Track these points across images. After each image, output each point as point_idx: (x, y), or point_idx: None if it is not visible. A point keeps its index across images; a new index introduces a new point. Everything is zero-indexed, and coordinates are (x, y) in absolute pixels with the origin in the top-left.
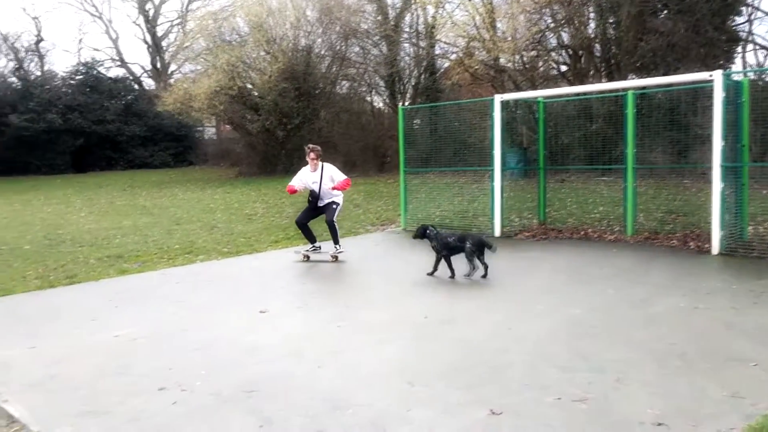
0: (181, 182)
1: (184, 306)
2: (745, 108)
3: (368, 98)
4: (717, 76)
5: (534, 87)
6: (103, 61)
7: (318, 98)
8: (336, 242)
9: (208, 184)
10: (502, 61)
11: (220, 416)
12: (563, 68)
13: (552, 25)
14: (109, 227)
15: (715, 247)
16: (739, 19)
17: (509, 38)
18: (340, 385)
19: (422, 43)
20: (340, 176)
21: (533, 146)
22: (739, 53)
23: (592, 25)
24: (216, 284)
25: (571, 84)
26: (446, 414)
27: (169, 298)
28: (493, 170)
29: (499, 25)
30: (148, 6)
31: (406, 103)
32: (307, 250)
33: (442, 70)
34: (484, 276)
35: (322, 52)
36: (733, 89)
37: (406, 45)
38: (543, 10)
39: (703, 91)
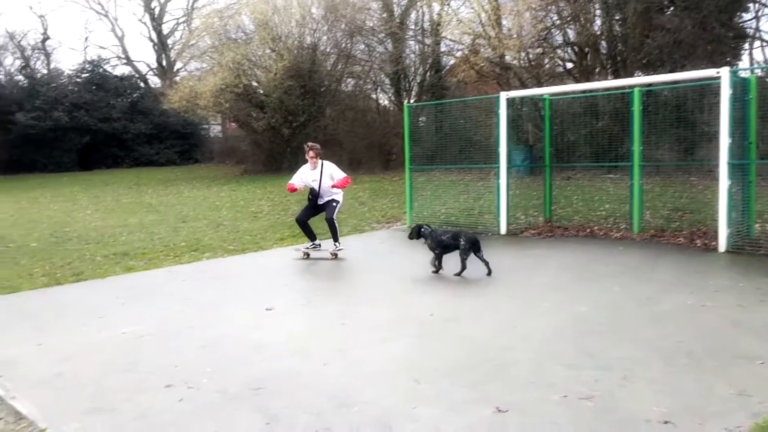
0: (187, 180)
1: (190, 303)
2: (753, 105)
3: (373, 96)
4: (724, 73)
5: (540, 84)
6: (109, 59)
7: (323, 96)
8: (336, 240)
9: (214, 182)
10: (507, 58)
11: (226, 413)
12: (569, 65)
13: (558, 22)
14: (115, 225)
15: (722, 244)
16: (746, 16)
17: (515, 35)
18: (346, 383)
19: (428, 41)
20: (339, 174)
21: (539, 143)
22: (746, 50)
23: (598, 22)
24: (222, 281)
25: (577, 81)
26: (452, 411)
27: (175, 296)
28: (498, 168)
29: (504, 22)
30: (154, 4)
31: (412, 101)
32: (307, 248)
33: (447, 68)
34: (488, 273)
35: (328, 50)
36: (740, 86)
37: (412, 42)
38: (549, 7)
39: (710, 88)
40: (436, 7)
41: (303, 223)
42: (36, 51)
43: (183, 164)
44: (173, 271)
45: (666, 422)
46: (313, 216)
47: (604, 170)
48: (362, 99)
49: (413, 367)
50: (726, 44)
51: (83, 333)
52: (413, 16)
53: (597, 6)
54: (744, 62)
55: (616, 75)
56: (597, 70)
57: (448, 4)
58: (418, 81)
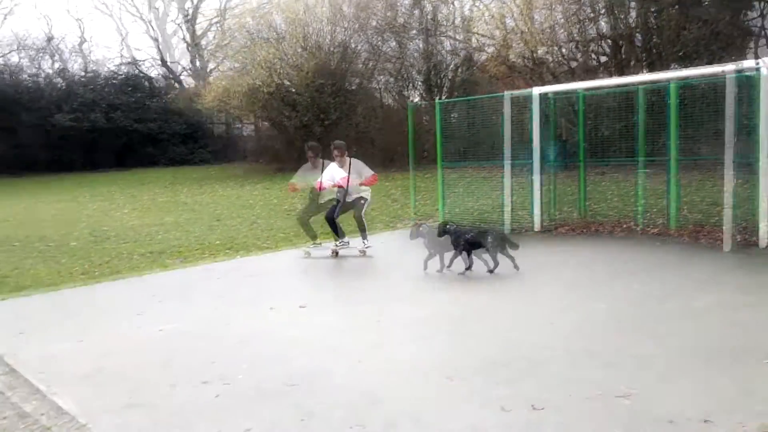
0: (221, 179)
1: (225, 300)
2: None
3: (405, 92)
4: (764, 64)
5: (573, 79)
6: (144, 60)
7: (355, 94)
8: (364, 237)
9: (247, 181)
10: (540, 53)
11: (262, 409)
12: (603, 59)
13: (591, 15)
14: (151, 224)
15: (763, 240)
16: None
17: (547, 29)
18: (380, 380)
19: (459, 37)
20: (367, 171)
21: (573, 139)
22: None
23: (633, 14)
24: (256, 279)
25: (612, 75)
26: (486, 409)
27: (211, 293)
28: (532, 164)
29: (536, 16)
30: (188, 5)
31: (443, 97)
32: (336, 245)
33: (479, 64)
34: (491, 271)
35: (359, 48)
36: None
37: (443, 39)
38: (582, 1)
39: (749, 81)
40: (467, 2)
41: (331, 220)
42: (74, 54)
43: (217, 163)
44: (209, 269)
45: (706, 421)
46: (342, 213)
47: (640, 165)
48: (394, 96)
49: (446, 364)
50: (765, 36)
51: (122, 330)
52: (444, 12)
53: None
54: None
55: (652, 68)
56: (632, 63)
57: (480, 0)
58: (450, 77)
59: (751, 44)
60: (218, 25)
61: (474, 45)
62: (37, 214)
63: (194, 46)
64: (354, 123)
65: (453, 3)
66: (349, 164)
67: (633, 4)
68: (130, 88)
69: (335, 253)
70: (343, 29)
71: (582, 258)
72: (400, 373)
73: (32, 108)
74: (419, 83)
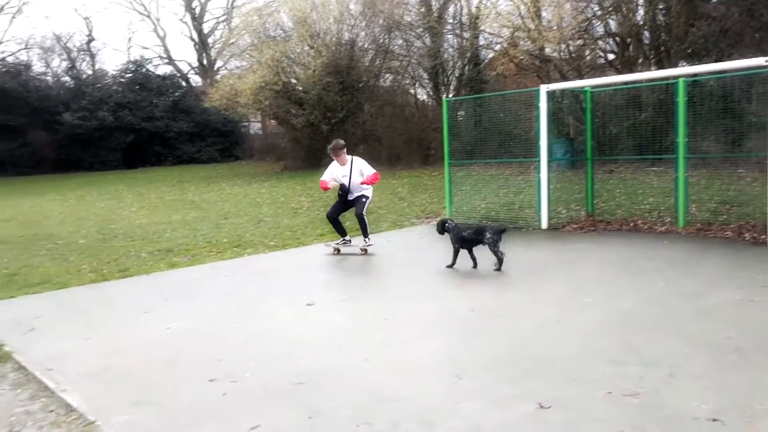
0: (228, 177)
1: (232, 299)
2: None
3: (412, 91)
4: None
5: (581, 76)
6: (151, 58)
7: (362, 92)
8: (365, 235)
9: (255, 179)
10: (547, 50)
11: (269, 407)
12: (611, 57)
13: (599, 12)
14: (159, 222)
15: None
16: None
17: (555, 27)
18: (387, 378)
19: (466, 34)
20: (369, 170)
21: (580, 137)
22: None
23: (641, 11)
24: (263, 277)
25: (619, 73)
26: (494, 407)
27: (218, 291)
28: (539, 161)
29: (544, 14)
30: (195, 4)
31: (450, 95)
32: (337, 244)
33: (486, 61)
34: (497, 268)
35: (366, 46)
36: None
37: (450, 36)
38: None
39: (758, 78)
40: (475, 0)
41: (333, 219)
42: (81, 52)
43: (224, 161)
44: (216, 267)
45: (714, 420)
46: (344, 212)
47: (648, 163)
48: (401, 94)
49: (454, 363)
50: None
51: (129, 328)
52: (451, 9)
53: None
54: None
55: (660, 66)
56: (640, 60)
57: None
58: (457, 75)
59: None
60: (225, 23)
61: (481, 43)
62: (45, 212)
63: (201, 44)
64: (361, 121)
65: (460, 1)
66: (351, 162)
67: (641, 1)
68: (137, 87)
69: (336, 251)
70: (350, 27)
71: (590, 256)
72: (408, 371)
73: (40, 107)
74: (426, 81)
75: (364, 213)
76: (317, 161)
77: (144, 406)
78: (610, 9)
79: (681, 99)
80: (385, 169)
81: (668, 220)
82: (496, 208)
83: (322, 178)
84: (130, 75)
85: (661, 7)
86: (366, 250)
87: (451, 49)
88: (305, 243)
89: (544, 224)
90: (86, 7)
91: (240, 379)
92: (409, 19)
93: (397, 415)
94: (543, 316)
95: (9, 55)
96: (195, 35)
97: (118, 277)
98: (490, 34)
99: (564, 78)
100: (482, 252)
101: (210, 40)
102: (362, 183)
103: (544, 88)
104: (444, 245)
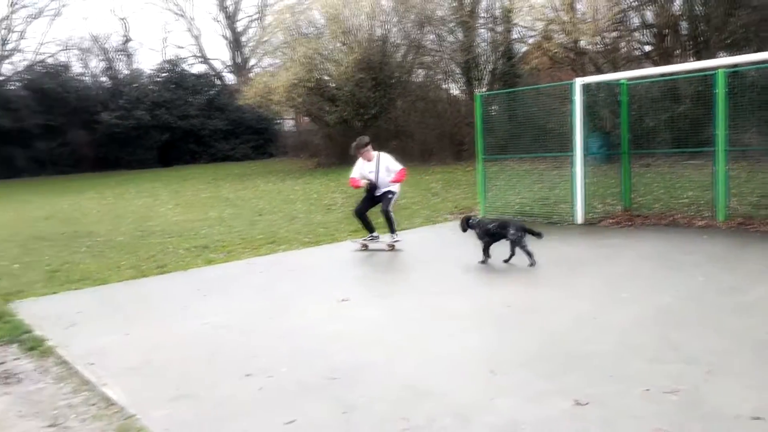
0: (262, 174)
1: (268, 294)
2: None
3: (444, 86)
4: None
5: (616, 69)
6: (186, 58)
7: (394, 87)
8: (392, 231)
9: (288, 176)
10: (582, 43)
11: (305, 402)
12: (647, 48)
13: (635, 3)
14: (195, 219)
15: None
16: None
17: (589, 19)
18: (422, 374)
19: (499, 28)
20: (396, 166)
21: (616, 130)
22: None
23: (678, 1)
24: (298, 273)
25: (656, 64)
26: (530, 403)
27: (253, 287)
28: (574, 156)
29: (578, 6)
30: (228, 3)
31: (483, 90)
32: (365, 240)
33: (519, 55)
34: (507, 261)
35: (398, 41)
36: None
37: (483, 30)
38: None
39: None
40: None
41: (361, 215)
42: (118, 53)
43: (258, 159)
44: (251, 263)
45: (756, 418)
46: (371, 208)
47: (686, 156)
48: (433, 89)
49: (490, 358)
50: None
51: (167, 323)
52: (484, 3)
53: None
54: None
55: (698, 57)
56: (677, 52)
57: None
58: (490, 69)
59: None
60: (258, 21)
61: (515, 36)
62: (84, 210)
63: (235, 42)
64: (393, 117)
65: None
66: (378, 158)
67: None
68: (173, 86)
69: (364, 247)
70: (382, 23)
71: (627, 251)
72: (443, 366)
73: (79, 107)
74: (459, 76)
75: (390, 209)
76: (350, 158)
77: (182, 400)
78: (647, 0)
79: (720, 90)
80: (417, 165)
81: (707, 214)
82: (530, 203)
83: (351, 176)
84: (166, 74)
85: None
86: (393, 246)
87: (483, 44)
88: (339, 239)
89: (580, 219)
90: (123, 9)
91: (275, 374)
92: (441, 14)
93: (432, 410)
94: (579, 312)
95: (49, 57)
96: (229, 34)
97: (156, 274)
98: (523, 27)
99: (599, 71)
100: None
101: (243, 39)
102: (392, 181)
103: (578, 81)
104: (477, 241)
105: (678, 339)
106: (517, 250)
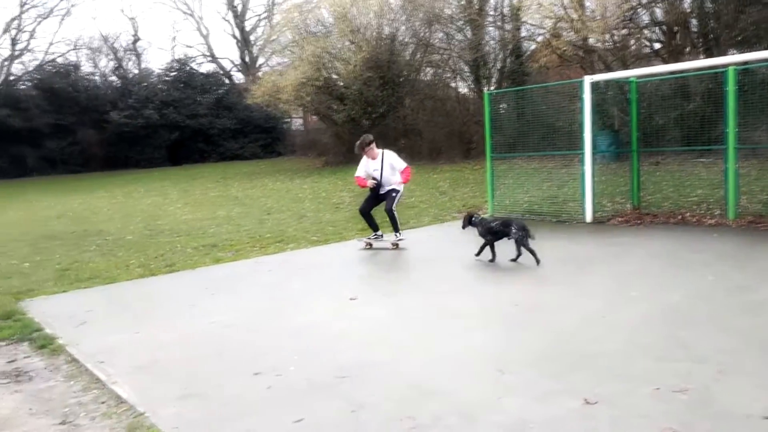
0: (271, 173)
1: (276, 293)
2: None
3: (453, 84)
4: None
5: (625, 67)
6: (195, 57)
7: (402, 86)
8: (396, 230)
9: (297, 174)
10: (591, 41)
11: (313, 400)
12: (657, 46)
13: (644, 1)
14: (203, 218)
15: None
16: None
17: (598, 17)
18: (430, 372)
19: (507, 26)
20: (400, 163)
21: (625, 128)
22: None
23: None
24: (306, 272)
25: (666, 62)
26: (538, 403)
27: (262, 286)
28: (583, 154)
29: (587, 3)
30: (237, 2)
31: (492, 88)
32: (369, 239)
33: (528, 53)
34: (514, 260)
35: (406, 40)
36: None
37: (491, 28)
38: None
39: None
40: None
41: (366, 213)
42: (128, 52)
43: (266, 158)
44: (259, 262)
45: (767, 417)
46: (375, 206)
47: (696, 154)
48: (441, 88)
49: (497, 357)
50: None
51: (176, 322)
52: (492, 1)
53: None
54: None
55: (709, 54)
56: (687, 49)
57: None
58: (498, 68)
59: None
60: (267, 20)
61: (523, 34)
62: (94, 209)
63: (243, 41)
64: (402, 115)
65: None
66: (382, 156)
67: None
68: (182, 85)
69: (369, 245)
70: (390, 21)
71: (636, 249)
72: (451, 365)
73: (89, 106)
74: (467, 74)
75: (393, 208)
76: (358, 157)
77: (191, 398)
78: None
79: (731, 88)
80: (426, 164)
81: (717, 212)
82: (539, 202)
83: (356, 175)
84: (175, 73)
85: None
86: (397, 245)
87: (492, 42)
88: (347, 238)
89: (589, 217)
90: (132, 8)
91: (284, 373)
92: (449, 12)
93: (439, 409)
94: (587, 311)
95: (59, 56)
96: (237, 33)
97: (165, 272)
98: (532, 25)
99: (608, 68)
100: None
101: (252, 38)
102: (401, 183)
103: (587, 79)
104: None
105: (687, 338)
106: (522, 249)
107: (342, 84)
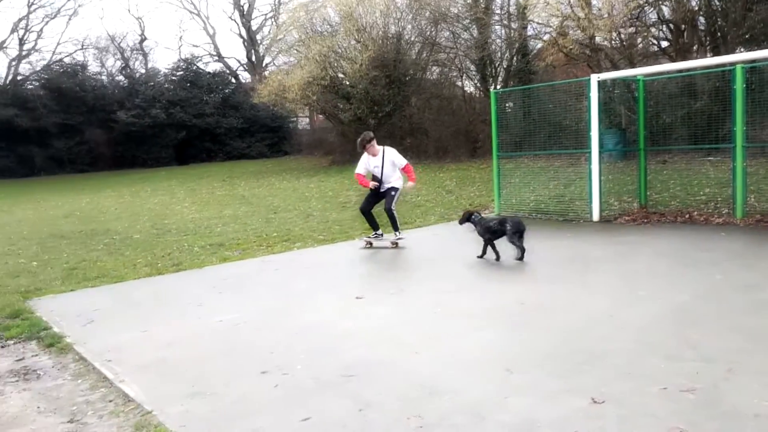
0: (277, 172)
1: (283, 292)
2: None
3: (459, 83)
4: None
5: (632, 65)
6: (201, 56)
7: (408, 85)
8: (396, 229)
9: (303, 174)
10: (598, 39)
11: (320, 399)
12: (664, 44)
13: None
14: (210, 217)
15: None
16: None
17: (605, 15)
18: (437, 371)
19: (514, 25)
20: (401, 161)
21: (632, 126)
22: None
23: None
24: (313, 271)
25: (673, 60)
26: (546, 402)
27: (268, 285)
28: (590, 152)
29: (594, 1)
30: (243, 1)
31: (498, 87)
32: (370, 237)
33: (534, 52)
34: (519, 258)
35: (412, 39)
36: None
37: (498, 27)
38: None
39: None
40: None
41: (367, 212)
42: (135, 52)
43: (273, 157)
44: (266, 261)
45: None
46: (376, 204)
47: (703, 153)
48: (448, 87)
49: (505, 357)
50: None
51: (183, 321)
52: (499, 0)
53: None
54: None
55: (716, 52)
56: (695, 47)
57: None
58: (505, 66)
59: None
60: (273, 19)
61: (530, 33)
62: (101, 208)
63: (250, 41)
64: (408, 114)
65: None
66: (383, 152)
67: None
68: (188, 84)
69: (369, 244)
70: (397, 20)
71: (643, 248)
72: (458, 364)
73: (96, 106)
74: (473, 73)
75: (393, 207)
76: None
77: (198, 397)
78: None
79: (738, 86)
80: (432, 163)
81: (725, 211)
82: (545, 201)
83: (356, 171)
84: (181, 73)
85: None
86: (396, 244)
87: (498, 40)
88: (353, 237)
89: (596, 216)
90: (139, 8)
91: (291, 372)
92: (455, 11)
93: (447, 408)
94: (595, 310)
95: (66, 56)
96: (243, 32)
97: (172, 271)
98: (538, 23)
99: (615, 67)
100: (530, 245)
101: (258, 37)
102: (400, 179)
103: (594, 78)
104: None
105: (695, 337)
106: (525, 248)
107: (348, 83)
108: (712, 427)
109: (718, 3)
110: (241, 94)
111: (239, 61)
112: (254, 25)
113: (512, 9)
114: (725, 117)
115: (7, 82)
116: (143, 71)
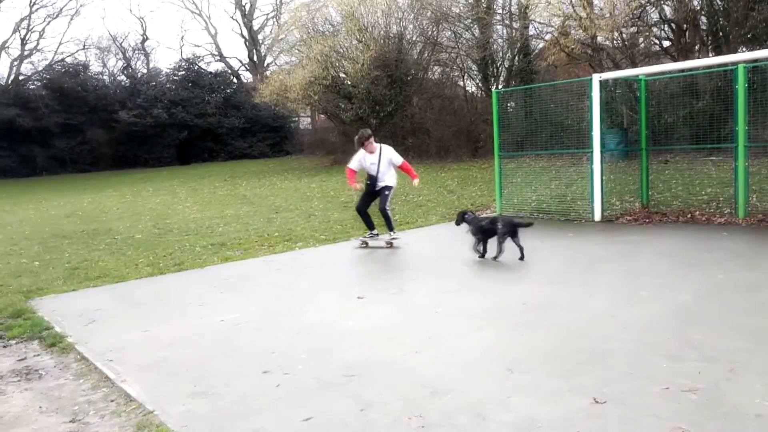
0: (279, 172)
1: (284, 292)
2: None
3: (461, 83)
4: None
5: (634, 65)
6: (203, 56)
7: (410, 85)
8: (390, 229)
9: (305, 173)
10: (599, 39)
11: (322, 399)
12: (666, 44)
13: None
14: (212, 216)
15: None
16: None
17: (607, 15)
18: (439, 371)
19: (515, 25)
20: (398, 159)
21: (634, 126)
22: None
23: None
24: (315, 270)
25: (675, 60)
26: (547, 402)
27: (270, 284)
28: (591, 152)
29: (596, 1)
30: (245, 1)
31: (500, 86)
32: (365, 237)
33: (536, 51)
34: (521, 258)
35: (414, 38)
36: None
37: (499, 27)
38: None
39: None
40: None
41: (362, 212)
42: (136, 51)
43: (275, 157)
44: (268, 261)
45: None
46: (371, 202)
47: (705, 152)
48: (449, 86)
49: (506, 356)
50: None
51: (185, 320)
52: (500, 0)
53: None
54: None
55: (718, 52)
56: (696, 47)
57: None
58: (506, 66)
59: None
60: (275, 19)
61: (531, 33)
62: (103, 208)
63: (251, 40)
64: (409, 114)
65: None
66: (380, 150)
67: None
68: (190, 84)
69: (365, 244)
70: (398, 20)
71: (645, 248)
72: (459, 364)
73: (98, 106)
74: (475, 73)
75: (387, 207)
76: None
77: (200, 396)
78: None
79: (740, 86)
80: (433, 162)
81: (727, 211)
82: (547, 201)
83: (349, 165)
84: (183, 73)
85: None
86: (391, 244)
87: (500, 40)
88: (355, 236)
89: (597, 216)
90: (140, 7)
91: (293, 371)
92: (457, 11)
93: (448, 407)
94: (596, 310)
95: (68, 56)
96: (245, 32)
97: (174, 271)
98: (540, 23)
99: (617, 67)
100: (532, 245)
101: (260, 37)
102: (413, 179)
103: (596, 78)
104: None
105: (698, 337)
106: (523, 246)
107: (350, 83)
108: (714, 427)
109: (720, 2)
110: (243, 94)
111: (241, 61)
112: (256, 25)
113: (514, 9)
114: (727, 117)
115: (9, 82)
116: (145, 71)
